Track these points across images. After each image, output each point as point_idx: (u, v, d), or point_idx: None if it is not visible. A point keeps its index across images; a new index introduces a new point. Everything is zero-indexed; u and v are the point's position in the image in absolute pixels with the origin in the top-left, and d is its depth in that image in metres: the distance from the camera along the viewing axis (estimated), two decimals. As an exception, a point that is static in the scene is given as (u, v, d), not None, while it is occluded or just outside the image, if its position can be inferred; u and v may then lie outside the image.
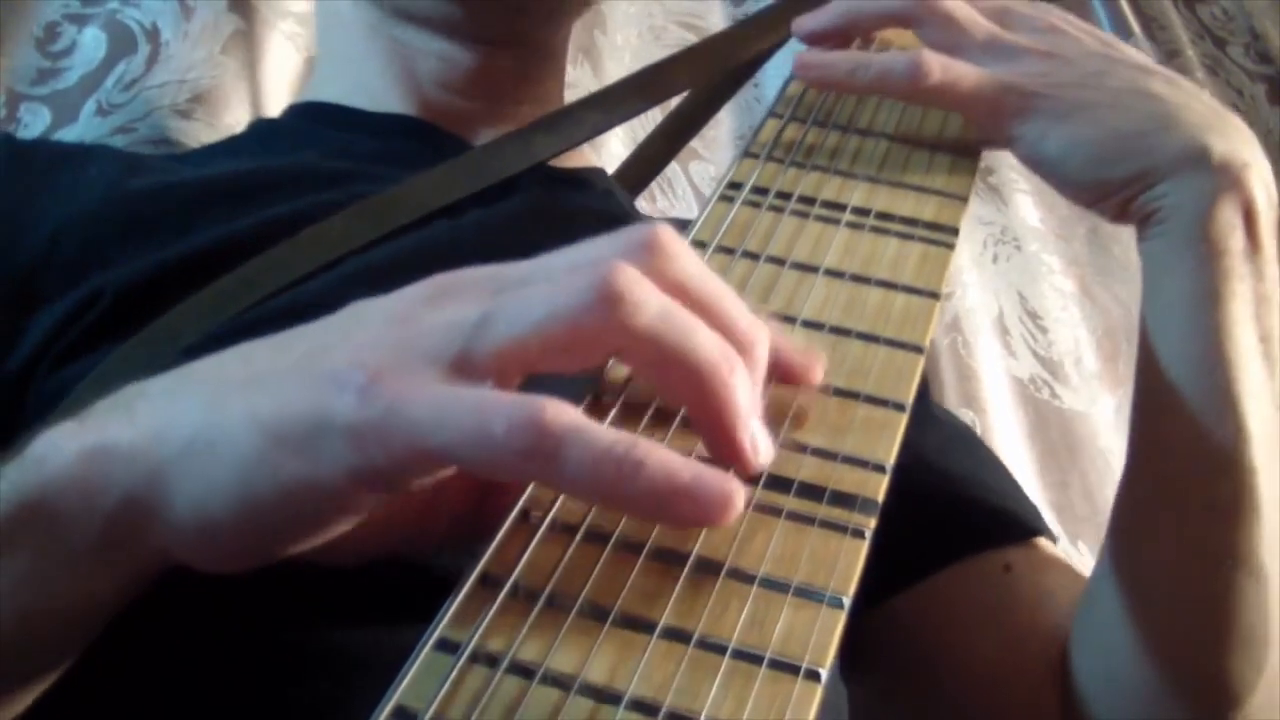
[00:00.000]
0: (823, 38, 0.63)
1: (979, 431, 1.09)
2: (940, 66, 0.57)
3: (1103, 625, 0.59)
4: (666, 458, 0.35)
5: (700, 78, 0.83)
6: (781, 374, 0.43)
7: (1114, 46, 0.61)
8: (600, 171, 0.84)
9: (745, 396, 0.38)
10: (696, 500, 0.35)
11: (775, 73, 0.95)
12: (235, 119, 0.98)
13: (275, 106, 1.02)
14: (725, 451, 0.39)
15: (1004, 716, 0.65)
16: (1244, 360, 0.55)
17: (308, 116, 0.79)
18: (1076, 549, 1.06)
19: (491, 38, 0.76)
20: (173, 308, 0.61)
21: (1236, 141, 0.57)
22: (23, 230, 0.66)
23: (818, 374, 0.44)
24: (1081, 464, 1.11)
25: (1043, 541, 0.71)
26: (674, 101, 0.93)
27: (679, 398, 0.40)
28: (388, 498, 0.39)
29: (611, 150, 1.09)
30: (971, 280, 1.19)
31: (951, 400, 1.09)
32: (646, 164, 0.93)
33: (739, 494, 0.35)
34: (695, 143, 1.08)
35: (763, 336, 0.40)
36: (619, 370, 0.43)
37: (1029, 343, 1.20)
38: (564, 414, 0.35)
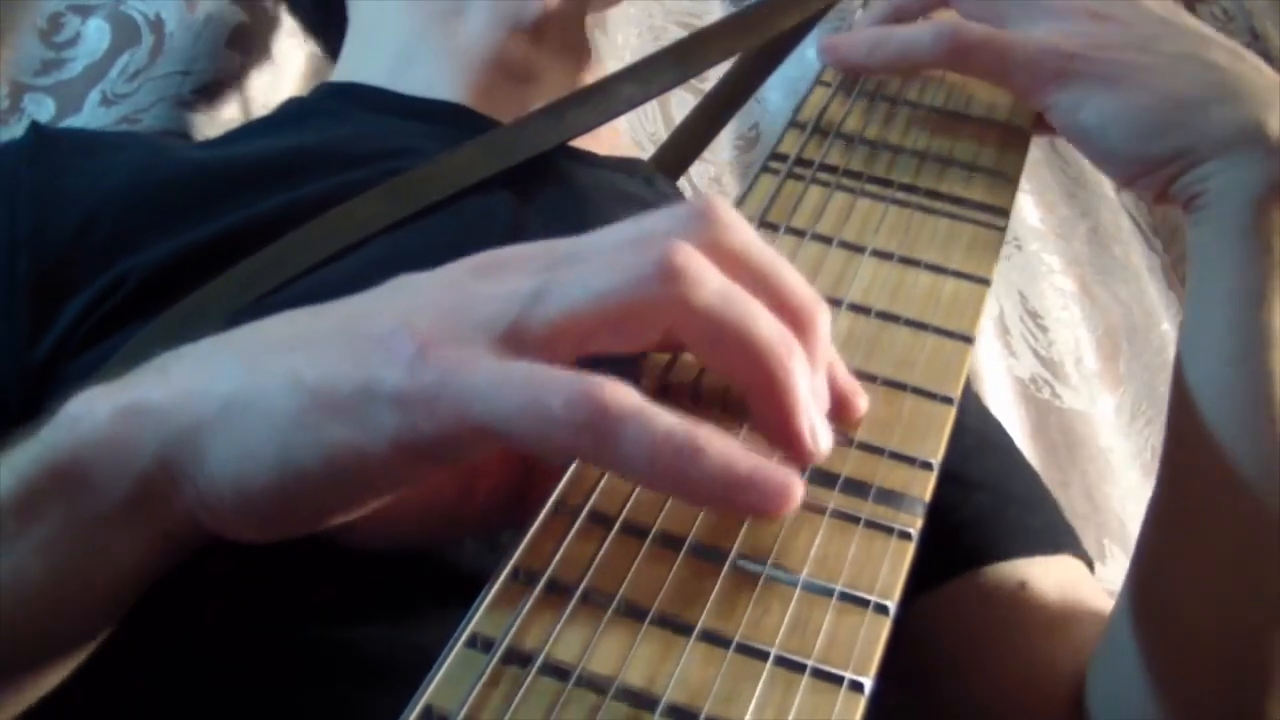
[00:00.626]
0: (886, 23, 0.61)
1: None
2: (967, 32, 0.54)
3: (1123, 664, 0.55)
4: (727, 446, 0.34)
5: (736, 48, 0.80)
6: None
7: (1173, 10, 0.56)
8: (640, 160, 0.83)
9: (805, 382, 0.37)
10: (755, 490, 0.34)
11: (777, 74, 0.95)
12: (239, 111, 0.98)
13: (279, 98, 1.02)
14: (783, 437, 0.37)
15: None
16: None
17: (338, 96, 0.79)
18: (1076, 548, 1.07)
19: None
20: (199, 288, 0.60)
21: None
22: (52, 218, 0.66)
23: (859, 409, 0.42)
24: (1082, 463, 1.11)
25: (1069, 561, 0.68)
26: (671, 99, 0.93)
27: (737, 378, 0.38)
28: (431, 473, 0.38)
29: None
30: (973, 279, 1.19)
31: (952, 399, 1.09)
32: (684, 147, 0.92)
33: (798, 486, 0.34)
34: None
35: (823, 314, 0.39)
36: (658, 356, 0.42)
37: (1029, 342, 1.20)
38: (624, 394, 0.34)
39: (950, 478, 0.69)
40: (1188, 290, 0.54)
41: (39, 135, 0.72)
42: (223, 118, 0.98)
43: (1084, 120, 0.53)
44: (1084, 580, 0.66)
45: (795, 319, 0.38)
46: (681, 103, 1.07)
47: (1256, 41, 1.60)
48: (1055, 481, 1.08)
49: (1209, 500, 0.52)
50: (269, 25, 1.04)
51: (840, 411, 0.41)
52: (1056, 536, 0.68)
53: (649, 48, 1.18)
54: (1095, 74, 0.53)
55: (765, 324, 0.37)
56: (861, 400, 0.41)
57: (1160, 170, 0.53)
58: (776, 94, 1.16)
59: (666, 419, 0.34)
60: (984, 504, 0.68)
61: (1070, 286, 1.25)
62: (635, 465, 0.34)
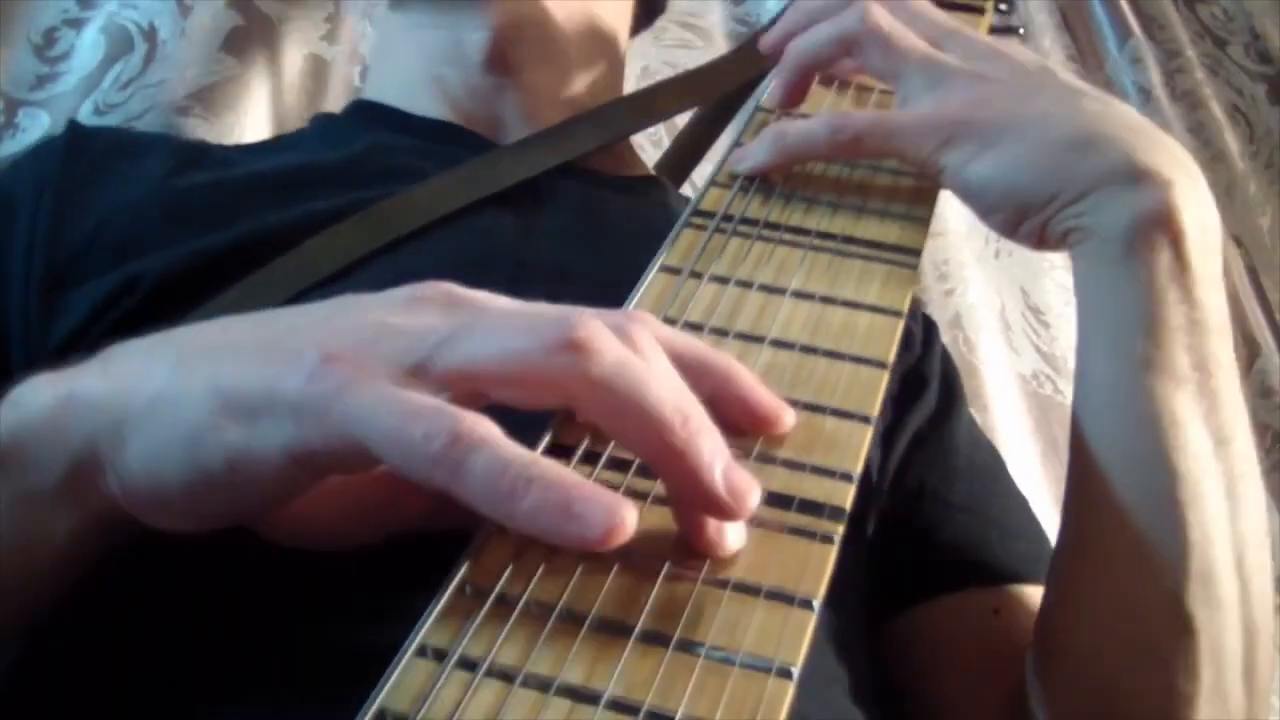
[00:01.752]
0: (792, 90, 0.64)
1: (982, 428, 1.08)
2: (855, 122, 0.58)
3: (1039, 677, 0.57)
4: (561, 476, 0.36)
5: (697, 101, 0.84)
6: (749, 421, 0.43)
7: (1049, 69, 0.59)
8: (655, 180, 0.84)
9: (705, 442, 0.38)
10: (580, 521, 0.35)
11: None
12: (234, 116, 0.98)
13: (275, 103, 1.02)
14: (700, 501, 0.38)
15: None
16: (1170, 391, 0.53)
17: (363, 114, 0.80)
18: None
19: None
20: (207, 298, 0.61)
21: (1162, 160, 0.54)
22: (72, 218, 0.67)
23: (786, 422, 0.44)
24: (1085, 459, 1.11)
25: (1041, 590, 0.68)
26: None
27: (639, 451, 0.40)
28: (327, 481, 0.40)
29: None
30: (973, 276, 1.19)
31: (954, 396, 1.09)
32: (685, 154, 0.94)
33: (627, 517, 0.35)
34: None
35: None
36: None
37: (1031, 338, 1.20)
38: (480, 427, 0.36)
39: (934, 499, 0.70)
40: (1077, 325, 0.57)
41: (74, 134, 0.72)
42: (220, 121, 0.98)
43: (969, 177, 0.56)
44: None
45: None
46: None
47: (1256, 41, 1.60)
48: (1058, 476, 1.08)
49: (1103, 518, 0.54)
50: (265, 29, 1.05)
51: (769, 426, 0.43)
52: (1036, 565, 0.68)
53: (649, 47, 1.18)
54: (975, 135, 0.56)
55: (661, 394, 0.38)
56: (788, 415, 0.44)
57: (1038, 215, 0.55)
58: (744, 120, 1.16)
59: (512, 451, 0.36)
60: (966, 527, 0.70)
61: (1071, 282, 1.25)
62: (478, 495, 0.36)
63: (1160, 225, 0.53)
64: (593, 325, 0.38)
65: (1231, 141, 1.46)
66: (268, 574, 0.48)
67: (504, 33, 0.75)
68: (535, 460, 0.36)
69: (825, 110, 0.64)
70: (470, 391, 0.39)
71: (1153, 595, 0.52)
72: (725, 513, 0.38)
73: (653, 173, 0.86)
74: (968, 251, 1.21)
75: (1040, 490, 1.09)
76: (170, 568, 0.48)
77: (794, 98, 0.64)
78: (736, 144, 0.61)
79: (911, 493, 0.70)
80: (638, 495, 0.41)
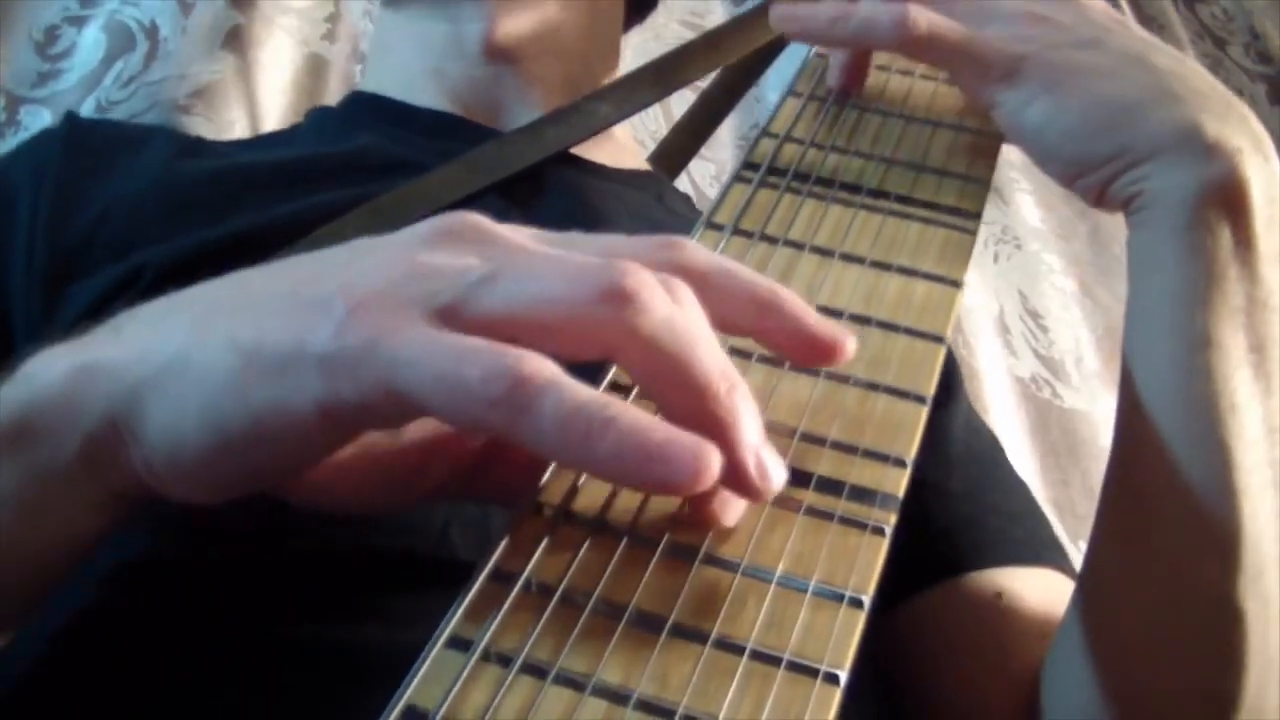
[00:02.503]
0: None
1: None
2: (926, 20, 0.54)
3: (1071, 664, 0.55)
4: (639, 417, 0.33)
5: (710, 68, 0.81)
6: (804, 351, 0.40)
7: (1118, 19, 0.56)
8: (652, 173, 0.83)
9: (746, 415, 0.36)
10: (667, 463, 0.33)
11: (776, 74, 0.95)
12: (235, 113, 0.99)
13: (275, 101, 1.02)
14: (727, 477, 0.36)
15: None
16: (1230, 373, 0.50)
17: (362, 107, 0.79)
18: (1077, 548, 1.06)
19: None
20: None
21: (1235, 126, 0.51)
22: (74, 210, 0.66)
23: (849, 350, 0.40)
24: (1083, 463, 1.11)
25: (1050, 574, 0.67)
26: (673, 103, 0.94)
27: (674, 412, 0.37)
28: (358, 438, 0.38)
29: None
30: (972, 279, 1.19)
31: (952, 399, 1.09)
32: (680, 148, 0.93)
33: (714, 460, 0.33)
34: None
35: (734, 393, 0.37)
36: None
37: (1030, 342, 1.20)
38: (544, 367, 0.33)
39: (932, 486, 0.68)
40: (1129, 294, 0.54)
41: (73, 125, 0.72)
42: (221, 119, 0.98)
43: (1027, 120, 0.53)
44: (1064, 593, 0.63)
45: (761, 307, 0.38)
46: (683, 100, 1.07)
47: (1256, 41, 1.60)
48: (1055, 480, 1.08)
49: (1153, 503, 0.52)
50: (266, 26, 1.05)
51: (830, 355, 0.40)
52: (1038, 548, 0.67)
53: (649, 45, 1.18)
54: (1040, 76, 0.53)
55: (708, 357, 0.36)
56: (850, 341, 0.40)
57: (1098, 171, 0.53)
58: (775, 94, 1.16)
59: (582, 392, 0.33)
60: (965, 513, 0.68)
61: (1071, 286, 1.25)
62: (547, 438, 0.33)
63: (1226, 197, 0.50)
64: (641, 276, 0.35)
65: (1231, 142, 1.46)
66: (264, 574, 0.48)
67: (502, 22, 0.75)
68: (610, 401, 0.33)
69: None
70: (505, 339, 0.36)
71: (1203, 586, 0.50)
72: (750, 492, 0.36)
73: (649, 167, 0.86)
74: (967, 254, 1.21)
75: (1037, 493, 1.09)
76: (165, 568, 0.49)
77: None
78: (764, 133, 0.56)
79: (910, 482, 0.69)
80: None
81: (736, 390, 0.36)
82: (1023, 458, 1.11)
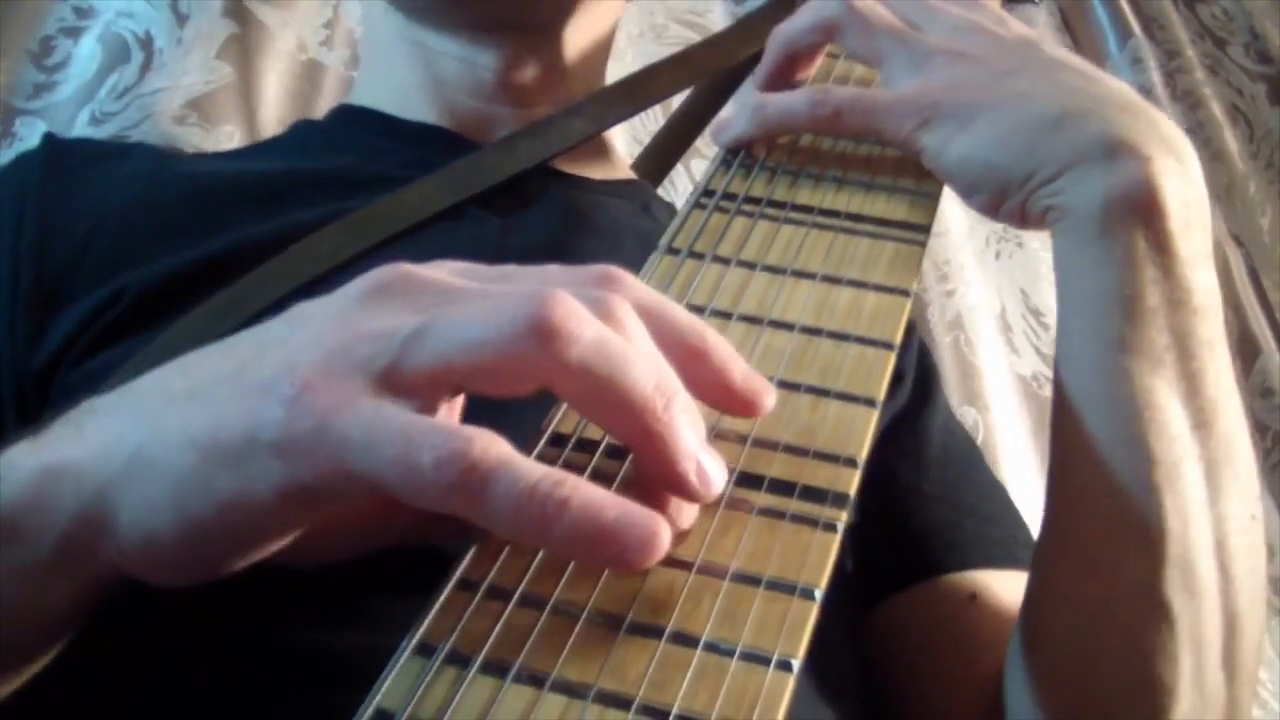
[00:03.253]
0: (775, 76, 0.64)
1: (982, 429, 1.08)
2: (837, 97, 0.57)
3: (1023, 662, 0.56)
4: (591, 497, 0.34)
5: (686, 84, 0.83)
6: (723, 401, 0.42)
7: (1034, 44, 0.59)
8: (637, 184, 0.83)
9: (684, 426, 0.37)
10: (619, 542, 0.34)
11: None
12: (231, 124, 0.98)
13: (272, 110, 1.02)
14: (669, 484, 0.38)
15: None
16: (1145, 372, 0.51)
17: (347, 120, 0.79)
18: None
19: (498, 23, 0.75)
20: (191, 308, 0.61)
21: (1141, 134, 0.53)
22: (58, 232, 0.66)
23: (767, 406, 0.42)
24: (1086, 460, 1.10)
25: (1019, 576, 0.65)
26: (674, 102, 0.94)
27: (616, 433, 0.39)
28: (323, 514, 0.39)
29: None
30: (974, 278, 1.19)
31: (954, 398, 1.09)
32: (657, 160, 0.94)
33: (664, 533, 0.34)
34: (697, 141, 1.08)
35: (669, 407, 0.38)
36: None
37: (1031, 340, 1.20)
38: (492, 448, 0.34)
39: (909, 488, 0.69)
40: (1056, 302, 0.55)
41: (51, 146, 0.72)
42: (217, 130, 0.98)
43: (948, 160, 0.56)
44: None
45: (689, 352, 0.39)
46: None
47: (1256, 41, 1.60)
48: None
49: (1082, 502, 0.53)
50: (262, 36, 1.05)
51: (749, 409, 0.42)
52: (1013, 549, 0.68)
53: (650, 45, 1.18)
54: (953, 115, 0.55)
55: (640, 375, 0.37)
56: (769, 398, 0.42)
57: (1016, 194, 0.55)
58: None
59: (532, 472, 0.34)
60: (939, 515, 0.69)
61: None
62: (504, 523, 0.34)
63: (1136, 202, 0.52)
64: (565, 305, 0.36)
65: (1231, 141, 1.46)
66: (246, 579, 0.48)
67: (521, 70, 0.76)
68: (561, 479, 0.34)
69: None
70: (450, 389, 0.38)
71: (1129, 582, 0.51)
72: (693, 498, 0.38)
73: (634, 175, 0.86)
74: (968, 253, 1.21)
75: (1038, 491, 1.08)
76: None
77: (774, 84, 0.64)
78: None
79: (883, 483, 0.70)
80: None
81: (674, 403, 0.37)
82: (1024, 455, 1.10)
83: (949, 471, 0.73)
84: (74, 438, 0.41)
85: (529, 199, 0.72)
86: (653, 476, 0.38)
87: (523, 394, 0.38)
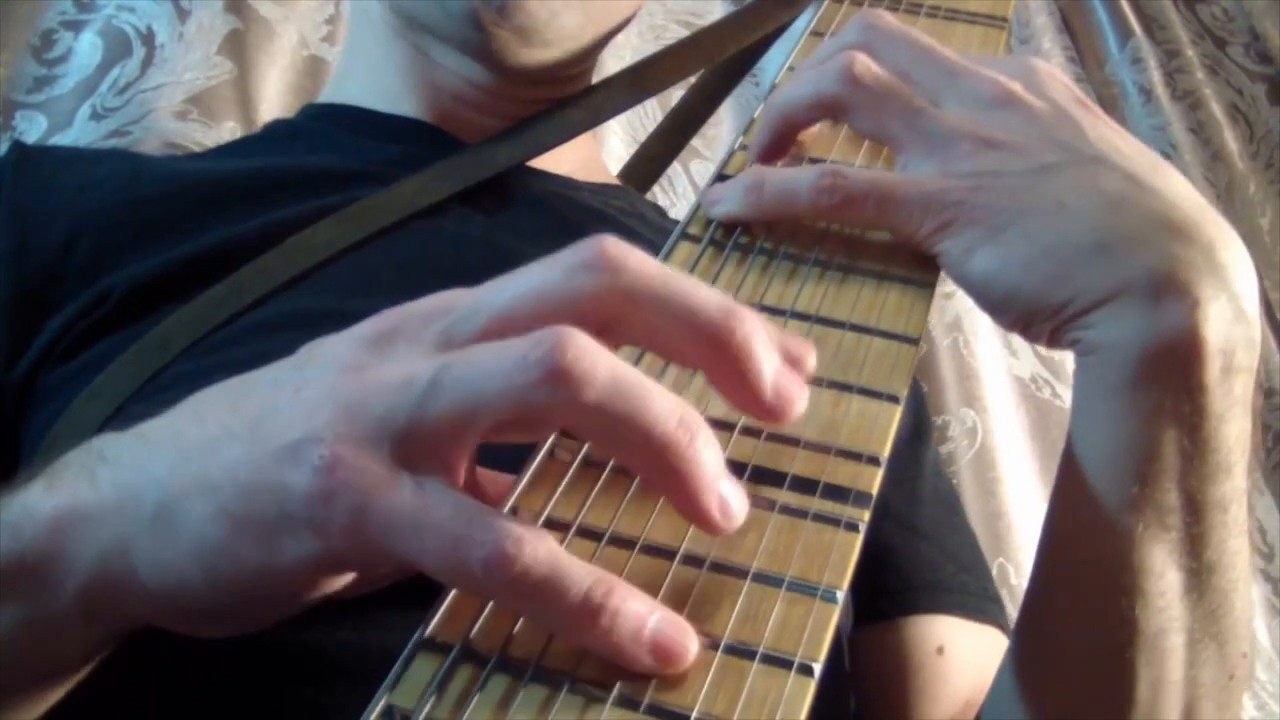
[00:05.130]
0: (770, 152, 0.55)
1: (980, 431, 1.08)
2: (851, 180, 0.50)
3: (1005, 706, 0.54)
4: (636, 609, 0.34)
5: (682, 76, 0.82)
6: (748, 410, 0.40)
7: (1075, 122, 0.50)
8: (621, 188, 0.83)
9: (708, 461, 0.36)
10: (658, 654, 0.34)
11: (775, 69, 0.95)
12: (233, 119, 0.98)
13: (273, 105, 1.02)
14: (691, 518, 0.37)
15: None
16: (1151, 537, 0.47)
17: (323, 118, 0.79)
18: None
19: (516, 69, 0.73)
20: (177, 307, 0.61)
21: (1196, 269, 0.46)
22: (34, 237, 0.66)
23: (809, 363, 0.40)
24: (1083, 463, 1.10)
25: (993, 634, 0.67)
26: (672, 99, 0.94)
27: (638, 471, 0.38)
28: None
29: (611, 149, 1.09)
30: (972, 279, 1.19)
31: (953, 400, 1.09)
32: (649, 163, 0.93)
33: (693, 649, 0.35)
34: (696, 142, 1.08)
35: (743, 318, 0.38)
36: None
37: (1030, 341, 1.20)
38: (541, 549, 0.34)
39: (898, 520, 0.69)
40: (1069, 429, 0.50)
41: (21, 153, 0.72)
42: (219, 125, 0.98)
43: (971, 272, 0.49)
44: (997, 652, 0.61)
45: (712, 337, 0.38)
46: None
47: (1256, 41, 1.60)
48: (1052, 480, 1.08)
49: (1047, 653, 0.52)
50: (263, 31, 1.04)
51: (775, 417, 0.39)
52: (985, 604, 0.68)
53: (649, 46, 1.18)
54: (979, 222, 0.48)
55: (660, 410, 0.36)
56: (798, 405, 0.39)
57: (1046, 322, 0.49)
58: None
59: (582, 581, 0.34)
60: (925, 553, 0.69)
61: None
62: (549, 623, 0.35)
63: (1175, 353, 0.46)
64: (575, 345, 0.35)
65: (1231, 141, 1.45)
66: None
67: (516, 76, 0.74)
68: (609, 589, 0.34)
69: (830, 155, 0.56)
70: (472, 441, 0.37)
71: (1119, 626, 0.48)
72: (714, 532, 0.37)
73: (618, 181, 0.86)
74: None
75: (1036, 493, 1.09)
76: None
77: (771, 158, 0.55)
78: (719, 177, 0.54)
79: (876, 510, 0.69)
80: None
81: (696, 438, 0.36)
82: (1023, 458, 1.10)
83: (939, 510, 0.72)
84: (87, 483, 0.40)
85: (513, 198, 0.72)
86: (676, 507, 0.37)
87: (542, 439, 0.38)
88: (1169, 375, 0.46)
